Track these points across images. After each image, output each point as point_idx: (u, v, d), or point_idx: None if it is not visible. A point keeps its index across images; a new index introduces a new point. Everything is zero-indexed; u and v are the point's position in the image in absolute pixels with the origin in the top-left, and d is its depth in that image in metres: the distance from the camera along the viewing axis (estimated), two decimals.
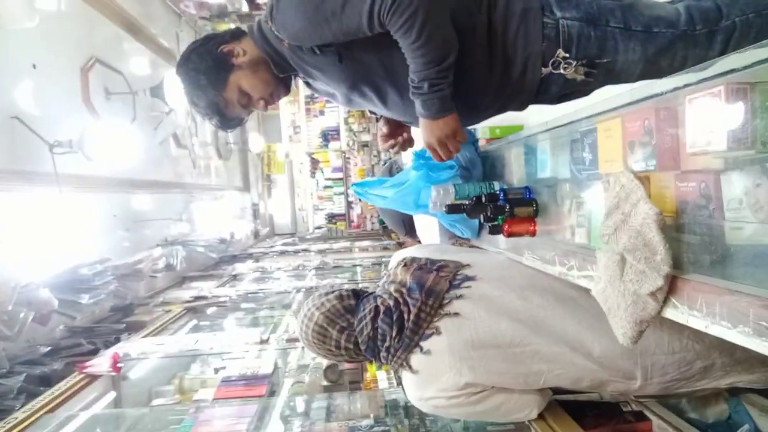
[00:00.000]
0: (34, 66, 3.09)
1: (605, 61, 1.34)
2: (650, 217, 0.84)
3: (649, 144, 0.92)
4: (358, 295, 1.52)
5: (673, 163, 0.87)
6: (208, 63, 1.45)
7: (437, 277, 1.43)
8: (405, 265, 1.52)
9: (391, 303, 1.41)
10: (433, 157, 1.46)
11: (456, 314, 1.36)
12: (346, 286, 1.65)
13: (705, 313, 0.78)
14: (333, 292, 1.52)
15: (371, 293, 1.53)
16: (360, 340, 1.43)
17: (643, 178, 0.94)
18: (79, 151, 3.02)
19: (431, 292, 1.39)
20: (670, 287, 0.84)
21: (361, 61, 1.38)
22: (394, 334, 1.37)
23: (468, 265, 1.48)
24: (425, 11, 1.21)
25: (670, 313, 0.85)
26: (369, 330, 1.40)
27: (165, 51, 5.10)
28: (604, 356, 1.32)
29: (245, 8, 6.11)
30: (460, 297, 1.38)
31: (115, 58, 4.21)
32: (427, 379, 1.36)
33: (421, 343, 1.35)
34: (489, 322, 1.34)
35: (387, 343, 1.38)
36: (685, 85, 0.80)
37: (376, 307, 1.43)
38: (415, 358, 1.36)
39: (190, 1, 5.64)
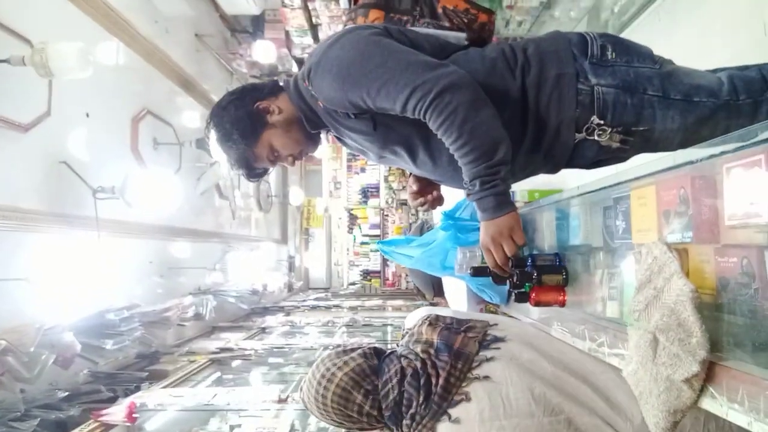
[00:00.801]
0: (88, 115, 3.25)
1: (642, 129, 1.29)
2: (685, 294, 0.77)
3: (685, 214, 0.85)
4: (379, 353, 1.43)
5: (712, 235, 0.79)
6: (242, 118, 1.44)
7: (465, 338, 1.33)
8: (430, 323, 1.43)
9: (418, 365, 1.31)
10: (487, 259, 1.33)
11: (486, 378, 1.26)
12: (365, 342, 1.56)
13: (747, 408, 0.68)
14: (354, 349, 1.41)
15: (392, 352, 1.43)
16: (384, 405, 1.31)
17: (681, 251, 0.86)
18: (120, 197, 3.11)
19: (460, 355, 1.30)
20: (708, 374, 0.75)
21: (395, 129, 1.37)
22: (421, 400, 1.27)
23: (496, 324, 1.40)
24: (465, 109, 1.17)
25: (707, 404, 0.76)
26: (395, 394, 1.29)
27: None
28: None
29: (295, 68, 6.35)
30: (490, 359, 1.29)
31: (167, 111, 4.40)
32: None
33: (450, 411, 1.24)
34: (521, 386, 1.24)
35: (412, 410, 1.27)
36: (722, 153, 0.74)
37: (402, 368, 1.33)
38: (443, 427, 1.25)
39: (242, 60, 5.90)
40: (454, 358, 1.28)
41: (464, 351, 1.30)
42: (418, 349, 1.35)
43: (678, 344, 0.77)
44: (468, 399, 1.24)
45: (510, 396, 1.23)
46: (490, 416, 1.21)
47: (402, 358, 1.36)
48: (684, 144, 1.29)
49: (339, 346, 1.46)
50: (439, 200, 1.68)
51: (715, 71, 1.35)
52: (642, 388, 0.88)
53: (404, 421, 1.29)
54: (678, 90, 1.27)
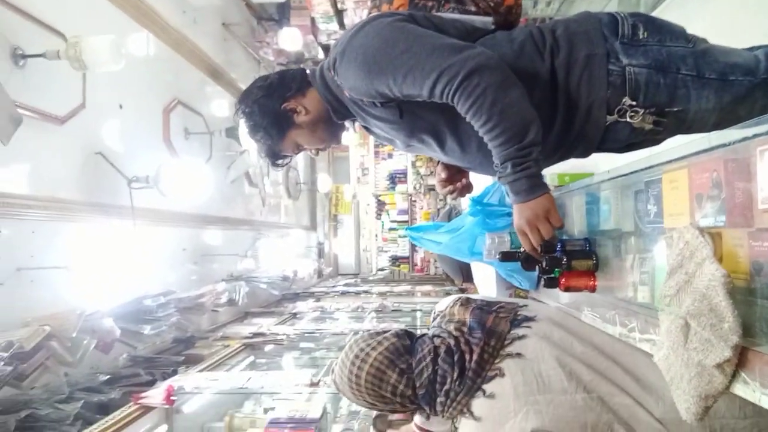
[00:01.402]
0: (121, 106, 3.32)
1: (676, 110, 1.26)
2: (717, 279, 0.76)
3: (718, 198, 0.84)
4: (411, 335, 1.44)
5: (745, 219, 0.78)
6: (268, 117, 1.45)
7: (497, 318, 1.36)
8: (462, 304, 1.44)
9: (452, 342, 1.33)
10: (522, 242, 1.30)
11: (519, 354, 1.27)
12: (395, 326, 1.57)
13: None
14: (386, 331, 1.43)
15: (424, 334, 1.45)
16: (418, 384, 1.31)
17: (714, 235, 0.85)
18: (154, 186, 3.18)
19: (493, 333, 1.32)
20: (740, 360, 0.74)
21: (422, 116, 1.37)
22: (455, 376, 1.28)
23: (525, 305, 1.42)
24: (494, 91, 1.15)
25: (739, 389, 0.75)
26: (429, 372, 1.30)
27: None
28: (668, 417, 1.18)
29: (321, 55, 6.36)
30: (522, 337, 1.30)
31: (197, 101, 4.46)
32: (491, 428, 1.22)
33: (484, 386, 1.25)
34: (553, 363, 1.25)
35: (447, 387, 1.28)
36: (755, 136, 0.72)
37: (436, 347, 1.34)
38: (478, 403, 1.25)
39: (269, 48, 5.94)
40: (486, 335, 1.30)
41: (496, 329, 1.32)
42: (451, 327, 1.37)
43: (710, 329, 0.76)
44: (502, 374, 1.24)
45: (543, 372, 1.23)
46: (524, 391, 1.21)
47: (435, 338, 1.38)
48: (719, 125, 1.26)
49: (369, 330, 1.47)
50: (468, 188, 1.68)
51: (751, 49, 1.31)
52: (673, 374, 0.88)
53: (438, 399, 1.30)
54: (713, 69, 1.24)
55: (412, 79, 1.22)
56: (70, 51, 2.44)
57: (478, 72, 1.17)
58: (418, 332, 1.47)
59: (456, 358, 1.29)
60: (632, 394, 1.21)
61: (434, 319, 1.53)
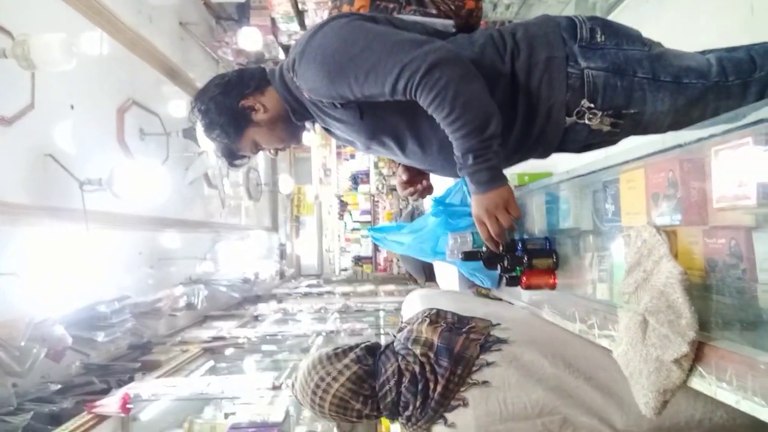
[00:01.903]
0: (72, 107, 3.20)
1: (632, 111, 1.29)
2: (674, 276, 0.77)
3: (674, 197, 0.86)
4: (374, 351, 1.39)
5: (700, 218, 0.80)
6: (226, 115, 1.41)
7: (467, 340, 1.30)
8: (431, 322, 1.37)
9: (417, 369, 1.28)
10: (480, 232, 1.32)
11: (485, 383, 1.24)
12: (357, 342, 1.50)
13: (735, 387, 0.70)
14: (347, 353, 1.35)
15: (388, 346, 1.40)
16: (382, 406, 1.31)
17: (670, 233, 0.87)
18: (108, 188, 3.08)
19: (460, 359, 1.27)
20: (697, 354, 0.76)
21: (382, 118, 1.36)
22: (418, 404, 1.26)
23: (498, 324, 1.35)
24: (456, 84, 1.16)
25: (696, 383, 0.77)
26: (393, 395, 1.29)
27: None
28: (630, 430, 1.20)
29: (281, 55, 6.29)
30: (491, 364, 1.26)
31: (153, 101, 4.34)
32: None
33: (446, 415, 1.24)
34: (519, 392, 1.24)
35: (408, 412, 1.28)
36: (710, 136, 0.74)
37: (400, 369, 1.30)
38: (438, 430, 1.26)
39: (228, 48, 5.83)
40: (454, 363, 1.26)
41: (465, 354, 1.28)
42: (418, 350, 1.31)
43: (667, 326, 0.78)
44: (465, 404, 1.23)
45: (507, 400, 1.23)
46: (486, 422, 1.23)
47: (398, 356, 1.33)
48: (674, 126, 1.30)
49: (327, 351, 1.41)
50: (429, 189, 1.68)
51: (703, 53, 1.35)
52: (632, 369, 0.90)
53: (401, 419, 1.31)
54: (668, 72, 1.27)
55: (374, 77, 1.21)
56: (18, 49, 2.34)
57: (439, 65, 1.17)
58: (383, 333, 1.45)
59: (420, 387, 1.26)
60: (598, 413, 1.22)
61: (400, 330, 1.47)
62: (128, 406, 2.32)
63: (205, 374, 3.19)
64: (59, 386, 2.48)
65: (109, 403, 2.29)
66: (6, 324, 2.27)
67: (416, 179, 1.66)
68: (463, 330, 1.33)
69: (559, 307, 1.31)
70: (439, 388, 1.24)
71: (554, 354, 1.28)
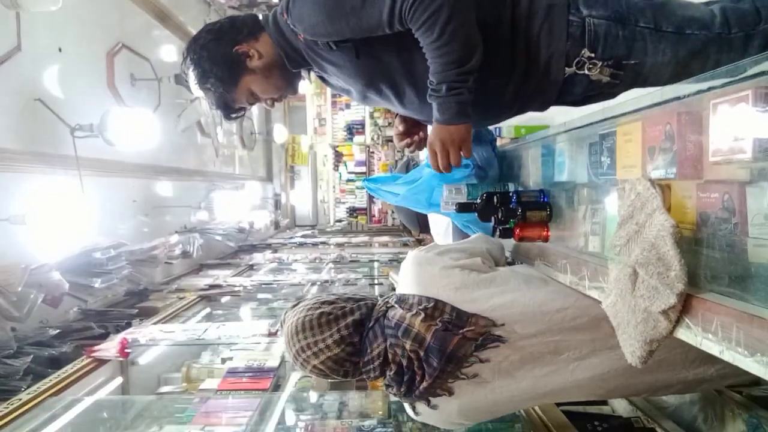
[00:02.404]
0: (60, 50, 3.12)
1: (633, 62, 1.27)
2: (666, 229, 0.78)
3: (669, 150, 0.85)
4: (362, 325, 1.30)
5: (695, 171, 0.80)
6: (220, 62, 1.38)
7: (462, 340, 1.22)
8: (426, 317, 1.24)
9: (404, 363, 1.25)
10: (430, 159, 1.36)
11: (474, 376, 1.23)
12: (351, 295, 1.39)
13: (720, 338, 0.71)
14: (332, 324, 1.27)
15: (377, 320, 1.29)
16: (365, 377, 1.31)
17: (664, 187, 0.87)
18: (99, 135, 3.04)
19: (452, 358, 1.21)
20: (684, 306, 0.77)
21: (379, 59, 1.33)
22: (402, 390, 1.28)
23: (503, 326, 1.23)
24: (449, 8, 1.16)
25: (682, 334, 0.79)
26: (376, 374, 1.29)
27: None
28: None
29: (275, 0, 6.11)
30: (484, 361, 1.23)
31: (143, 45, 4.23)
32: (428, 422, 1.36)
33: (430, 398, 1.26)
34: (506, 390, 1.25)
35: (392, 392, 1.31)
36: (710, 89, 0.73)
37: (386, 355, 1.26)
38: (421, 407, 1.30)
39: None
40: (445, 362, 1.21)
41: (458, 353, 1.22)
42: (407, 345, 1.23)
43: (657, 277, 0.79)
44: (451, 393, 1.24)
45: (494, 396, 1.26)
46: (467, 410, 1.28)
47: (388, 342, 1.26)
48: (674, 78, 1.28)
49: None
50: (425, 141, 1.67)
51: (708, 3, 1.32)
52: (620, 319, 0.91)
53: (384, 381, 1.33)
54: (670, 22, 1.24)
55: (372, 3, 1.18)
56: None
57: None
58: (376, 290, 1.40)
59: (405, 378, 1.25)
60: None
61: (392, 296, 1.35)
62: (126, 350, 2.37)
63: (202, 321, 3.24)
64: (58, 331, 2.53)
65: (108, 348, 2.33)
66: (2, 269, 2.28)
67: (413, 130, 1.64)
68: (461, 329, 1.22)
69: (551, 259, 1.32)
70: (425, 384, 1.23)
71: (558, 346, 1.24)
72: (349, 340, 1.27)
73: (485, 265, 1.37)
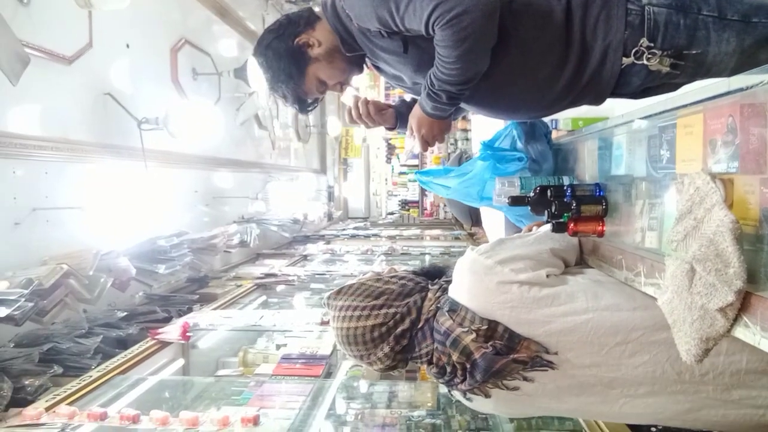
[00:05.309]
0: (128, 45, 3.27)
1: (694, 52, 1.23)
2: (725, 225, 0.76)
3: (732, 143, 0.82)
4: (411, 330, 1.25)
5: (758, 166, 0.77)
6: (285, 57, 1.46)
7: (510, 363, 1.16)
8: (477, 336, 1.16)
9: (448, 369, 1.22)
10: (407, 131, 1.51)
11: (515, 389, 1.18)
12: (402, 269, 1.40)
13: None
14: (382, 347, 1.22)
15: (427, 321, 1.24)
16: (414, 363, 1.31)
17: (726, 181, 0.85)
18: (164, 128, 3.18)
19: (497, 374, 1.17)
20: (743, 304, 0.75)
21: (427, 51, 1.35)
22: (441, 382, 1.30)
23: (556, 354, 1.15)
24: (476, 39, 1.20)
25: (740, 333, 0.76)
26: (425, 365, 1.29)
27: (251, 33, 5.25)
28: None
29: None
30: (528, 380, 1.17)
31: (204, 40, 4.38)
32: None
33: (467, 393, 1.26)
34: (545, 407, 1.26)
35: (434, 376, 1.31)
36: None
37: (431, 355, 1.23)
38: (457, 394, 1.30)
39: None
40: (489, 376, 1.17)
41: (504, 370, 1.17)
42: (455, 356, 1.19)
43: (714, 274, 0.77)
44: (487, 396, 1.22)
45: (529, 411, 1.31)
46: (502, 410, 1.31)
47: (435, 346, 1.23)
48: (739, 69, 1.23)
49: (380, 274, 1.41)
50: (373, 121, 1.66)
51: None
52: (676, 317, 0.89)
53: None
54: (736, 9, 1.19)
55: (413, 10, 1.21)
56: None
57: (470, 13, 1.17)
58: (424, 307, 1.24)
59: (446, 379, 1.24)
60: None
61: (443, 298, 1.26)
62: (188, 334, 2.48)
63: (258, 308, 3.35)
64: (125, 313, 2.67)
65: (171, 331, 2.45)
66: (75, 254, 2.44)
67: (374, 117, 1.64)
68: (511, 354, 1.16)
69: (606, 254, 1.30)
70: (464, 386, 1.22)
71: (611, 382, 1.16)
72: (398, 349, 1.24)
73: (550, 278, 1.24)
